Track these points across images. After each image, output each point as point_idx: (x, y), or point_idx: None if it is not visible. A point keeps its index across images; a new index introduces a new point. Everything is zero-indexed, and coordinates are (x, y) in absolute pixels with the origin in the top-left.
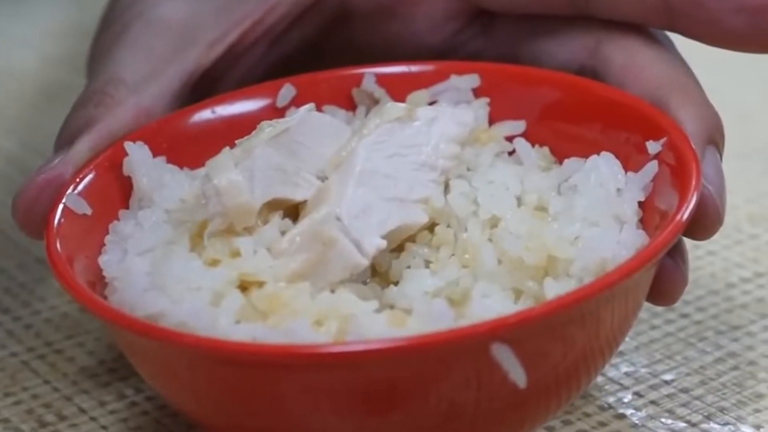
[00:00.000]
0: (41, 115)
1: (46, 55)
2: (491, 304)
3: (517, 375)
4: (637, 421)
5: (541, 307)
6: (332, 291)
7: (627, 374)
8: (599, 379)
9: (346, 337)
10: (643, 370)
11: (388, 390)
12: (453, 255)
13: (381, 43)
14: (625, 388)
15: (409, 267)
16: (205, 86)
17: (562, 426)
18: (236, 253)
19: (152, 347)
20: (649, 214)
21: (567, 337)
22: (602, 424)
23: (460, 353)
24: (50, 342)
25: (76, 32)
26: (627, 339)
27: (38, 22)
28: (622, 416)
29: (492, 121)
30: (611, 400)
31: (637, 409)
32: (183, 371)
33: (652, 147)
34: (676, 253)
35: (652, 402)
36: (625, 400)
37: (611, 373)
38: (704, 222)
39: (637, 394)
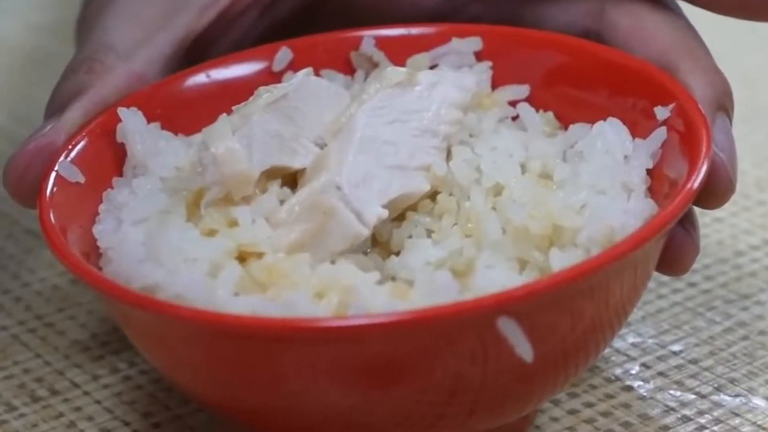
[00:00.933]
0: (29, 84)
1: (32, 23)
2: (496, 276)
3: (524, 349)
4: (645, 393)
5: (547, 280)
6: (332, 262)
7: (634, 345)
8: (606, 350)
9: (348, 310)
10: (650, 341)
11: (391, 365)
12: (456, 224)
13: (377, 6)
14: (633, 359)
15: (410, 237)
16: (197, 52)
17: (568, 398)
18: (234, 223)
19: (148, 320)
20: (657, 182)
21: (575, 310)
22: (609, 396)
23: (465, 328)
24: (41, 315)
25: (62, 0)
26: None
27: None
28: (630, 388)
29: (495, 85)
30: (618, 371)
31: (645, 380)
32: (180, 345)
33: (661, 113)
34: (686, 221)
35: (660, 374)
36: (633, 372)
37: (618, 344)
38: (715, 190)
39: (645, 366)
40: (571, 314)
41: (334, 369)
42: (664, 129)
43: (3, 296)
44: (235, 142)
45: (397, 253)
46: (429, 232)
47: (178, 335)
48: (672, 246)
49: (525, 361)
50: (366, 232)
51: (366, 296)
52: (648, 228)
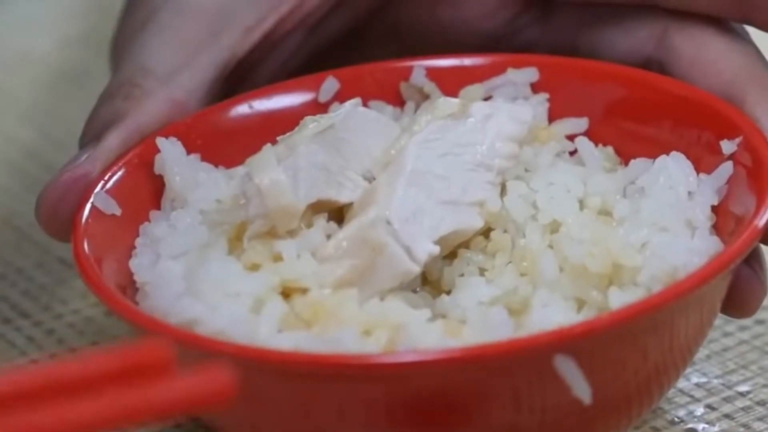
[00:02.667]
0: (60, 101)
1: (63, 36)
2: (552, 315)
3: (582, 389)
4: None
5: (607, 317)
6: (381, 299)
7: (698, 385)
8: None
9: (397, 347)
10: (715, 381)
11: (442, 405)
12: (510, 262)
13: (427, 30)
14: (697, 400)
15: (462, 275)
16: (239, 76)
17: None
18: (278, 258)
19: (187, 356)
20: (723, 219)
21: (635, 350)
22: None
23: (520, 366)
24: (74, 348)
25: (95, 11)
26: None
27: (54, 0)
28: (694, 431)
29: (552, 118)
30: (682, 413)
31: (710, 423)
32: None
33: (727, 146)
34: (753, 260)
35: (726, 416)
36: (697, 414)
37: (681, 384)
38: None
39: (710, 407)
40: (631, 354)
41: (383, 409)
42: (730, 164)
43: (34, 328)
44: (280, 174)
45: (448, 292)
46: (482, 271)
47: None
48: (738, 286)
49: (583, 402)
50: (416, 269)
51: (416, 334)
52: (712, 266)
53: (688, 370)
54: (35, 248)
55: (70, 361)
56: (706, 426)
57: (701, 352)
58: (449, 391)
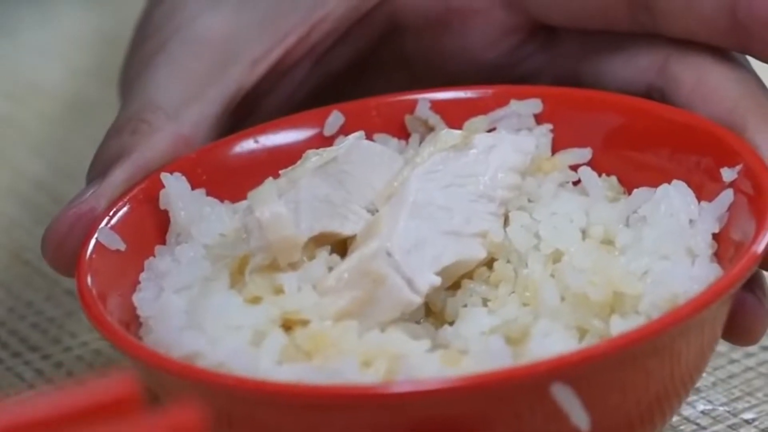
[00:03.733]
0: (69, 133)
1: (73, 67)
2: (552, 344)
3: (579, 418)
4: None
5: (604, 345)
6: (382, 330)
7: (704, 413)
8: (674, 418)
9: (396, 377)
10: (721, 409)
11: None
12: (513, 292)
13: (432, 59)
14: (703, 428)
15: (465, 305)
16: (246, 107)
17: None
18: (279, 290)
19: (189, 389)
20: (724, 246)
21: (634, 378)
22: None
23: (517, 394)
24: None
25: (105, 42)
26: (703, 374)
27: (64, 31)
28: None
29: (555, 148)
30: None
31: None
32: (222, 414)
33: (727, 174)
34: (756, 287)
35: None
36: None
37: (687, 411)
38: None
39: None
40: (630, 382)
41: None
42: (731, 191)
43: (43, 361)
44: (281, 207)
45: (452, 323)
46: (485, 301)
47: (221, 404)
48: (742, 313)
49: (581, 430)
50: (418, 300)
51: (416, 364)
52: (711, 291)
53: (694, 397)
54: (44, 281)
55: (36, 399)
56: None
57: (707, 380)
58: (447, 420)
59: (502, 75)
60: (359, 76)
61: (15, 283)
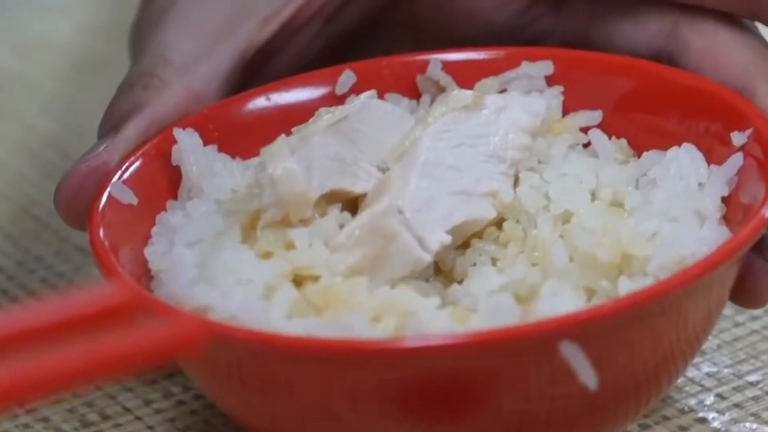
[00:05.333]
0: (79, 90)
1: (83, 24)
2: (561, 303)
3: (588, 376)
4: (719, 426)
5: (612, 304)
6: (392, 287)
7: (709, 375)
8: (679, 380)
9: (405, 333)
10: (726, 371)
11: (447, 392)
12: (522, 252)
13: (443, 21)
14: (707, 389)
15: (474, 265)
16: (257, 65)
17: (640, 430)
18: (290, 246)
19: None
20: (733, 210)
21: (642, 337)
22: (682, 428)
23: (525, 351)
24: None
25: None
26: (708, 337)
27: None
28: (704, 420)
29: (566, 110)
30: (692, 402)
31: (720, 412)
32: (232, 368)
33: (737, 138)
34: (764, 250)
35: (736, 405)
36: (707, 403)
37: (692, 373)
38: None
39: (720, 396)
40: (638, 342)
41: (389, 395)
42: (740, 155)
43: None
44: (293, 163)
45: (460, 282)
46: (494, 261)
47: (230, 358)
48: (750, 276)
49: (589, 388)
50: (427, 258)
51: (425, 320)
52: (718, 253)
53: (699, 359)
54: (54, 236)
55: (36, 308)
56: (716, 415)
57: (712, 342)
58: (454, 376)
59: (511, 38)
60: (368, 37)
61: (24, 237)
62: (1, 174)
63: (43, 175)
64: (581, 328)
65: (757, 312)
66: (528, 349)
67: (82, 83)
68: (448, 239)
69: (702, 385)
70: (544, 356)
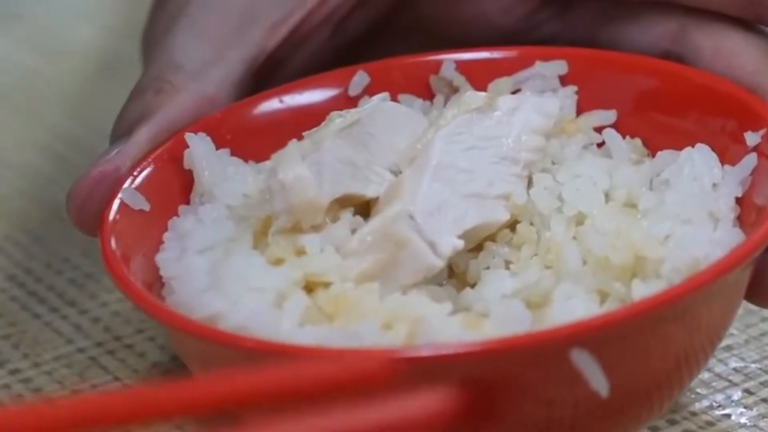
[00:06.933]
0: (101, 91)
1: (104, 25)
2: (574, 308)
3: (599, 383)
4: (746, 421)
5: (623, 310)
6: (403, 293)
7: (736, 370)
8: (706, 375)
9: (417, 341)
10: (753, 366)
11: (461, 397)
12: (535, 255)
13: (448, 24)
14: (735, 385)
15: (487, 268)
16: (266, 72)
17: (668, 426)
18: (302, 252)
19: (209, 351)
20: (747, 210)
21: (654, 343)
22: (710, 423)
23: (536, 359)
24: (120, 336)
25: (136, 1)
26: (736, 332)
27: None
28: (731, 415)
29: (580, 110)
30: (719, 398)
31: (748, 407)
32: None
33: (751, 138)
34: None
35: (764, 400)
36: (735, 398)
37: (719, 368)
38: None
39: (748, 392)
40: (650, 347)
41: None
42: (754, 155)
43: (80, 317)
44: (304, 169)
45: (474, 285)
46: (507, 264)
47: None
48: (764, 276)
49: (600, 396)
50: (440, 264)
51: (436, 327)
52: (732, 257)
53: (726, 354)
54: (81, 238)
55: (293, 370)
56: (744, 410)
57: (739, 337)
58: (465, 384)
59: (517, 42)
60: (374, 43)
61: (52, 239)
62: (28, 176)
63: (70, 177)
64: (593, 336)
65: None
66: (539, 357)
67: (108, 85)
68: (460, 244)
69: (729, 381)
70: (556, 364)
